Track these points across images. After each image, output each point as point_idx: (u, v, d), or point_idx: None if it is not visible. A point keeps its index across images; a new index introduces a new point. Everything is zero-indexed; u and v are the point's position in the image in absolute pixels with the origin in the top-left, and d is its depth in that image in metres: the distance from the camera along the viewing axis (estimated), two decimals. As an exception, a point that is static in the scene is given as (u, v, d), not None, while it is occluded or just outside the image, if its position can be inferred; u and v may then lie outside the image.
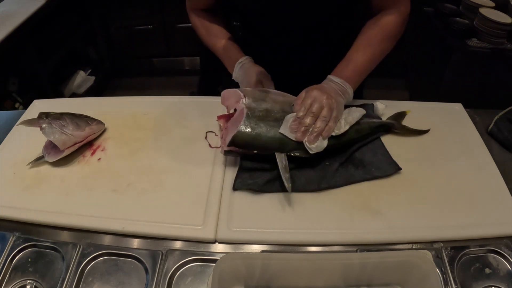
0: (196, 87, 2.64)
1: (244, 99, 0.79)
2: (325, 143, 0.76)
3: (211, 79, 2.57)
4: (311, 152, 0.76)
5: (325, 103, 0.77)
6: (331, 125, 0.77)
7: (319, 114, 0.76)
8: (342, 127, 0.80)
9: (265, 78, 0.90)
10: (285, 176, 0.74)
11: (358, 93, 0.91)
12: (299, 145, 0.76)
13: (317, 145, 0.76)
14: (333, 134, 0.78)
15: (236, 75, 0.94)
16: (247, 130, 0.76)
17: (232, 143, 0.77)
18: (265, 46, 1.00)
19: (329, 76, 0.85)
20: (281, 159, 0.76)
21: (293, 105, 0.80)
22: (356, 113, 0.83)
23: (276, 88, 0.89)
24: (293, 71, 0.98)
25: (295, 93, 0.83)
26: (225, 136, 0.82)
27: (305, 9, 0.88)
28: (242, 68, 0.92)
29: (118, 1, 2.58)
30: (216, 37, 0.98)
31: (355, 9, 0.95)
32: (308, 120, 0.76)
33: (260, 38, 1.01)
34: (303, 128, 0.75)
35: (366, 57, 0.86)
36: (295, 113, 0.77)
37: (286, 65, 0.97)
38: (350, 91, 0.84)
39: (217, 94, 0.92)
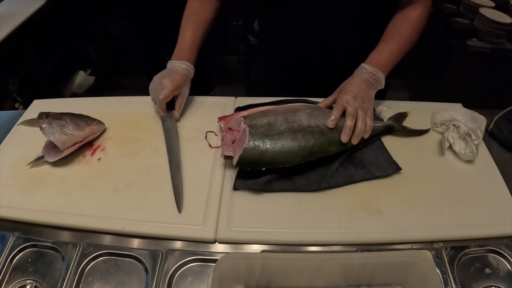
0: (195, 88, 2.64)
1: (243, 120, 0.80)
2: (470, 145, 0.81)
3: (203, 79, 2.57)
4: (469, 159, 0.81)
5: (358, 105, 0.81)
6: (369, 123, 0.82)
7: (355, 114, 0.80)
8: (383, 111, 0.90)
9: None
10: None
11: (382, 93, 0.93)
12: (308, 155, 0.77)
13: (472, 152, 0.81)
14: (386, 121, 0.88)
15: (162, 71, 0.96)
16: (253, 148, 0.76)
17: (239, 163, 0.76)
18: (285, 38, 0.99)
19: (363, 65, 0.88)
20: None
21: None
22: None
23: (298, 81, 0.91)
24: (313, 64, 0.97)
25: (313, 87, 0.87)
26: (225, 140, 0.82)
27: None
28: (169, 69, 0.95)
29: (118, 1, 2.58)
30: (186, 25, 0.99)
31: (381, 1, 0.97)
32: (348, 122, 0.80)
33: (280, 29, 1.00)
34: (347, 130, 0.79)
35: (398, 47, 0.90)
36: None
37: (306, 57, 0.96)
38: (382, 79, 0.87)
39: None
